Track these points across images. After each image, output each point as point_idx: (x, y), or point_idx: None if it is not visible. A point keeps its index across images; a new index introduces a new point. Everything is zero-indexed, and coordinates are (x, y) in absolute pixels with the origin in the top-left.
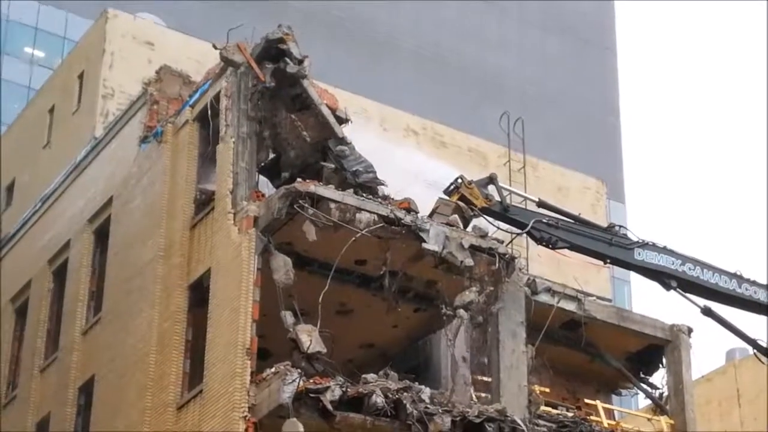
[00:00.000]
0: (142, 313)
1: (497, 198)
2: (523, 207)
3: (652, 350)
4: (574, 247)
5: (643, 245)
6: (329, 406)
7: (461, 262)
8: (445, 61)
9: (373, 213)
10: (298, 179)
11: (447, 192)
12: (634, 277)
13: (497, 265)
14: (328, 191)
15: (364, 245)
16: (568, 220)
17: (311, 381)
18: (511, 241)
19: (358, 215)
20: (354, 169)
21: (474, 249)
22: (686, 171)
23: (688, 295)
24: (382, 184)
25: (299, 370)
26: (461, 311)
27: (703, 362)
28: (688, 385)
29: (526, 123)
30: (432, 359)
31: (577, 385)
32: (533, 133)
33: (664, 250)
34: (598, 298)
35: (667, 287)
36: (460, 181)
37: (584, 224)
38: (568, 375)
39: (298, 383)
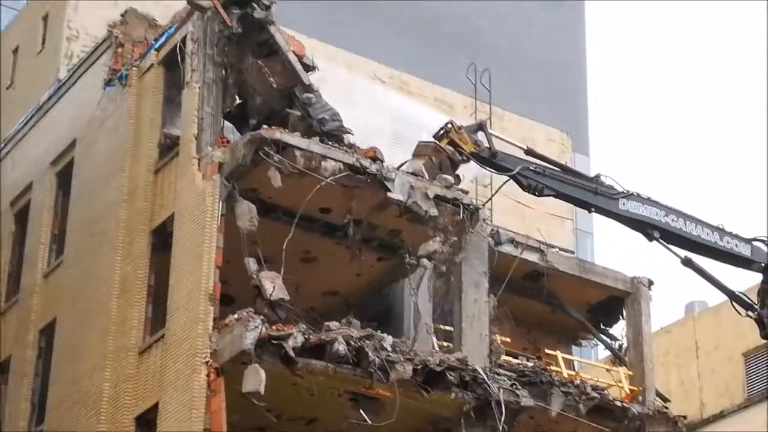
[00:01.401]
0: (105, 257)
1: (486, 144)
2: (511, 154)
3: (612, 302)
4: (559, 195)
5: (628, 195)
6: (291, 353)
7: (426, 212)
8: (414, 12)
9: (339, 161)
10: (264, 126)
11: (436, 136)
12: (597, 230)
13: (461, 215)
14: (293, 138)
15: (329, 193)
16: (555, 168)
17: (274, 328)
18: (500, 187)
19: (323, 163)
20: (320, 117)
21: (439, 199)
22: (652, 125)
23: (669, 246)
24: (348, 133)
25: (262, 317)
26: (425, 261)
27: (662, 314)
28: (647, 337)
29: (494, 75)
30: (395, 308)
31: (538, 335)
32: (500, 84)
33: (649, 201)
34: (561, 249)
35: (650, 238)
36: (450, 125)
37: (571, 173)
38: (530, 325)
39: (261, 330)
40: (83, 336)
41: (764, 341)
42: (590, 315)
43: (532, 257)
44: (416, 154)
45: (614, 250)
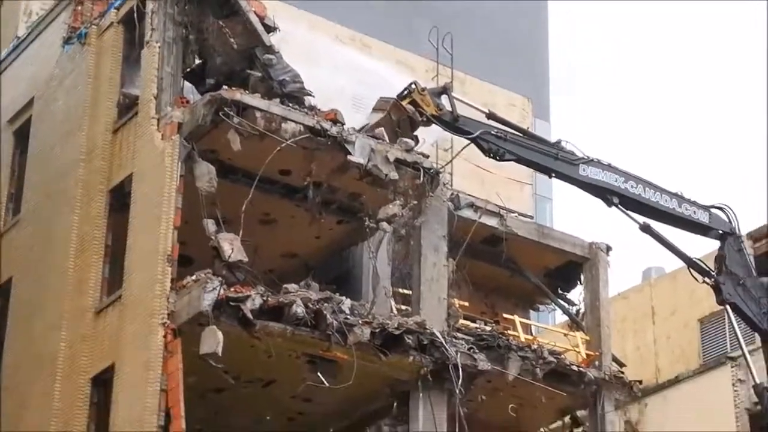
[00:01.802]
0: (62, 217)
1: (448, 108)
2: (473, 118)
3: (570, 267)
4: (520, 160)
5: (588, 161)
6: (249, 315)
7: (386, 175)
8: None
9: (299, 123)
10: (224, 87)
11: (400, 96)
12: (556, 195)
13: (421, 179)
14: (254, 100)
15: (289, 155)
16: (517, 133)
17: (232, 289)
18: (461, 151)
19: (283, 125)
20: (281, 78)
21: (399, 163)
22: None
23: (628, 212)
24: (309, 94)
25: (220, 279)
26: (384, 224)
27: (620, 280)
28: (605, 302)
29: (456, 39)
30: (354, 271)
31: (496, 299)
32: (462, 49)
33: (609, 167)
34: (520, 214)
35: (609, 203)
36: (413, 86)
37: (532, 138)
38: (488, 290)
39: (219, 291)
40: (39, 296)
41: (720, 307)
42: (548, 280)
43: (492, 222)
44: (376, 108)
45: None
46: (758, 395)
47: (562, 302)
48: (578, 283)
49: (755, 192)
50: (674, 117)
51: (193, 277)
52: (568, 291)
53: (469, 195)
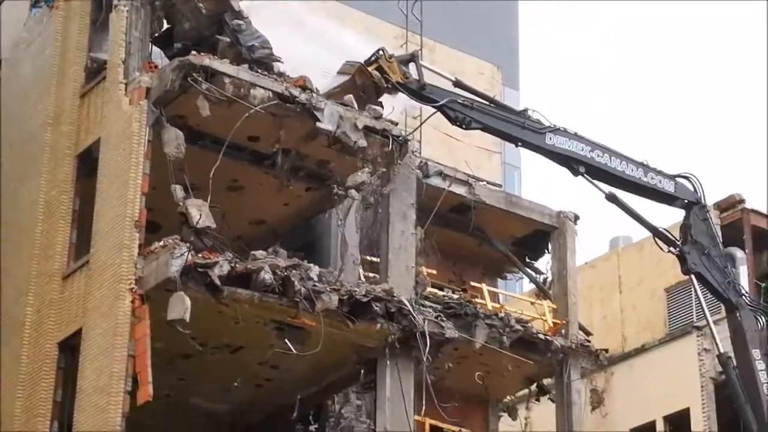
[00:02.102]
0: (29, 181)
1: (415, 76)
2: (440, 87)
3: (538, 236)
4: (487, 129)
5: (555, 130)
6: (217, 281)
7: (354, 142)
8: None
9: (268, 89)
10: (193, 52)
11: (366, 62)
12: (525, 164)
13: (390, 146)
14: (222, 65)
15: (258, 122)
16: (483, 101)
17: (200, 255)
18: (427, 118)
19: (252, 91)
20: (250, 44)
21: (368, 130)
22: (583, 62)
23: (594, 181)
24: (278, 61)
25: (188, 245)
26: (353, 191)
27: (587, 249)
28: (572, 271)
29: (425, 6)
30: (322, 238)
31: (464, 268)
32: (432, 17)
33: (575, 136)
34: (489, 183)
35: (575, 172)
36: (381, 52)
37: (498, 107)
38: (456, 258)
39: (187, 257)
40: (7, 260)
41: (687, 277)
42: (516, 248)
43: (460, 190)
44: (341, 71)
45: (541, 185)
46: (722, 365)
47: (529, 271)
48: (546, 251)
49: (723, 162)
50: (644, 88)
51: (161, 243)
52: (536, 260)
53: (438, 163)
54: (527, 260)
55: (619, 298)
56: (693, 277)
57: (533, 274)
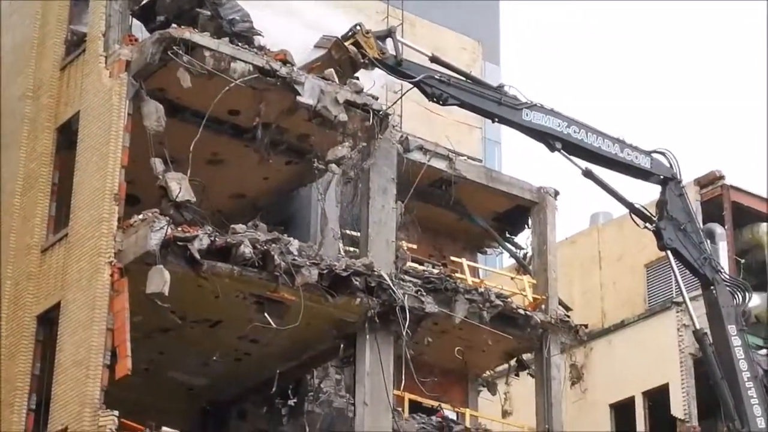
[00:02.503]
0: (8, 154)
1: (392, 52)
2: (417, 62)
3: (518, 211)
4: (464, 105)
5: (531, 106)
6: (197, 255)
7: (335, 116)
8: None
9: (249, 63)
10: (173, 25)
11: (344, 37)
12: (505, 139)
13: (371, 121)
14: (203, 39)
15: (238, 95)
16: (460, 77)
17: (179, 229)
18: (404, 93)
19: (232, 65)
20: (230, 17)
21: (348, 104)
22: (564, 37)
23: (571, 157)
24: (259, 34)
25: (167, 218)
26: (333, 166)
27: (567, 224)
28: (552, 247)
29: None
30: (302, 212)
31: (444, 242)
32: None
33: (551, 112)
34: (469, 158)
35: (552, 148)
36: (358, 28)
37: (475, 83)
38: (436, 232)
39: (166, 231)
40: None
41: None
42: (496, 223)
43: (440, 165)
44: (318, 46)
45: (521, 160)
46: (698, 341)
47: (509, 246)
48: (526, 227)
49: (702, 138)
50: (628, 63)
51: (141, 217)
52: (516, 235)
53: (419, 138)
54: (507, 235)
55: (599, 274)
56: (669, 252)
57: (513, 249)
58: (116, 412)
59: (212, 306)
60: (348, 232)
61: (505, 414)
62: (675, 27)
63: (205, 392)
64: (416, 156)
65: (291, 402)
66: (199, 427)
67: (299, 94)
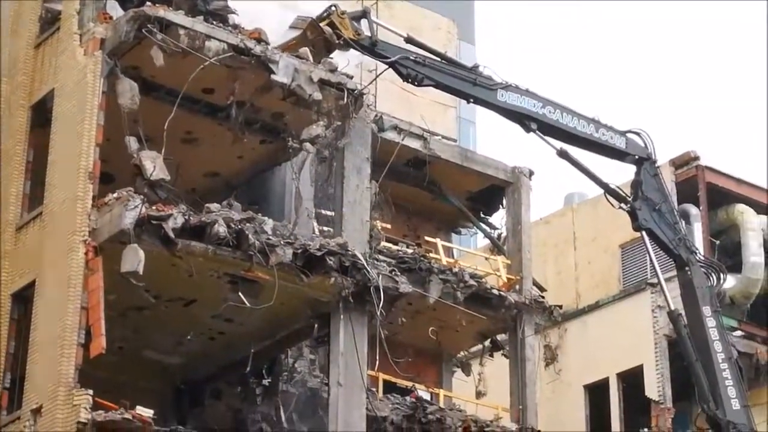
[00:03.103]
0: None
1: (367, 33)
2: (392, 43)
3: (493, 191)
4: (439, 86)
5: (506, 87)
6: (171, 234)
7: (309, 95)
8: None
9: (223, 41)
10: (148, 3)
11: (318, 18)
12: (480, 119)
13: (345, 100)
14: (177, 17)
15: (213, 74)
16: (435, 58)
17: (154, 208)
18: (379, 75)
19: (207, 43)
20: None
21: (323, 83)
22: (539, 16)
23: (546, 137)
24: (233, 13)
25: (142, 197)
26: (307, 145)
27: (542, 205)
28: (526, 227)
29: None
30: (276, 191)
31: (419, 222)
32: None
33: (527, 93)
34: (444, 137)
35: (527, 129)
36: (333, 8)
37: (450, 63)
38: (410, 212)
39: (141, 209)
40: None
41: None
42: (470, 203)
43: (415, 144)
44: (292, 26)
45: (496, 140)
46: (673, 321)
47: (483, 226)
48: (500, 207)
49: (676, 119)
50: (601, 42)
51: (115, 195)
52: (490, 215)
53: (393, 117)
54: (482, 215)
55: (574, 254)
56: (644, 233)
57: (487, 229)
58: (90, 391)
59: (186, 285)
60: (322, 211)
61: (479, 395)
62: (651, 9)
63: (180, 371)
64: (391, 135)
65: (265, 382)
66: (173, 406)
67: (273, 73)
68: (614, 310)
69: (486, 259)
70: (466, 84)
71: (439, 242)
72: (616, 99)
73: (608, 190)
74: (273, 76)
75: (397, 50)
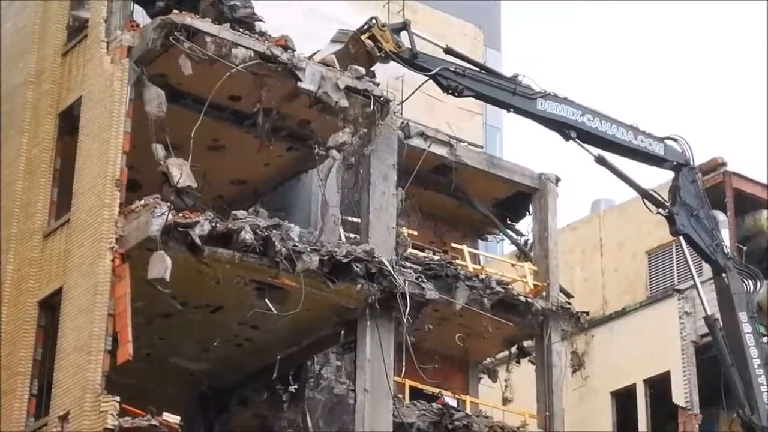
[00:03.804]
0: (10, 139)
1: (408, 45)
2: (432, 54)
3: (519, 198)
4: (479, 96)
5: (545, 96)
6: (198, 241)
7: (336, 102)
8: None
9: (250, 49)
10: (174, 11)
11: (359, 31)
12: (506, 125)
13: (372, 107)
14: (204, 24)
15: (239, 81)
16: (475, 68)
17: (180, 215)
18: (419, 87)
19: (234, 50)
20: (231, 3)
21: (349, 90)
22: (565, 22)
23: (584, 144)
24: (260, 20)
25: (169, 204)
26: (334, 152)
27: (568, 211)
28: (553, 233)
29: None
30: (303, 198)
31: (445, 229)
32: None
33: (565, 101)
34: (470, 144)
35: (566, 137)
36: (374, 21)
37: (490, 73)
38: (437, 219)
39: (167, 217)
40: None
41: (668, 240)
42: (497, 210)
43: (441, 151)
44: (334, 40)
45: (523, 146)
46: (709, 327)
47: (510, 232)
48: (527, 213)
49: (704, 126)
50: (628, 48)
51: (142, 202)
52: (517, 221)
53: (419, 124)
54: (508, 222)
55: (600, 261)
56: (681, 238)
57: (514, 235)
58: (117, 398)
59: (213, 292)
60: (348, 218)
61: (506, 401)
62: (678, 14)
63: (206, 378)
64: (417, 142)
65: (292, 388)
66: (199, 413)
67: (300, 80)
68: (641, 316)
69: (513, 265)
70: (506, 94)
71: (466, 249)
72: (642, 104)
73: (646, 195)
74: (299, 84)
75: (437, 62)
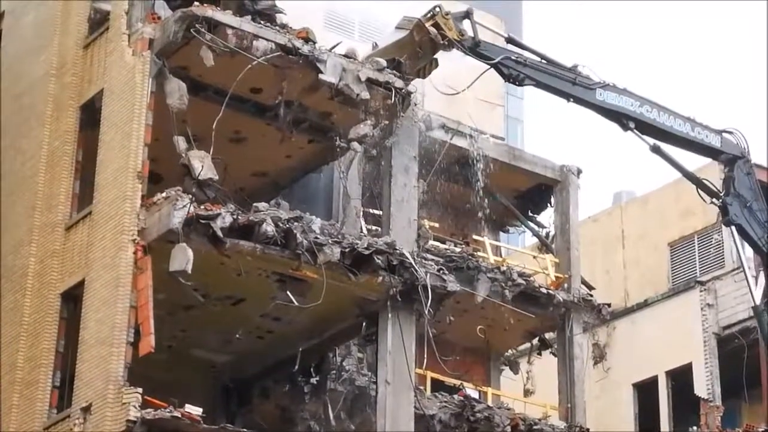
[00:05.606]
0: (32, 132)
1: (470, 33)
2: (494, 43)
3: (541, 189)
4: (539, 85)
5: (605, 86)
6: (219, 233)
7: (357, 94)
8: None
9: (271, 41)
10: (196, 3)
11: (424, 17)
12: (528, 117)
13: (393, 99)
14: (225, 17)
15: (261, 74)
16: (535, 58)
17: (202, 207)
18: (480, 75)
19: (255, 43)
20: None
21: (370, 82)
22: (589, 11)
23: (642, 135)
24: (281, 12)
25: (190, 196)
26: (355, 144)
27: (590, 203)
28: (575, 225)
29: None
30: (324, 191)
31: (466, 221)
32: None
33: (624, 92)
34: (491, 136)
35: (625, 128)
36: (438, 9)
37: (550, 63)
38: (458, 211)
39: (189, 209)
40: (9, 211)
41: (690, 232)
42: (518, 202)
43: (462, 143)
44: (399, 27)
45: (544, 138)
46: (757, 316)
47: (531, 224)
48: (548, 205)
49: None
50: (648, 37)
51: (164, 195)
52: (538, 213)
53: (441, 116)
54: (530, 214)
55: (622, 253)
56: (733, 228)
57: (535, 227)
58: (140, 389)
59: (235, 284)
60: (370, 210)
61: (528, 393)
62: (701, 12)
63: (228, 369)
64: (438, 134)
65: (313, 380)
66: (221, 404)
67: (321, 72)
68: (663, 308)
69: (534, 257)
70: (566, 83)
71: (487, 241)
72: (664, 92)
73: (700, 184)
74: (321, 76)
75: (499, 51)
